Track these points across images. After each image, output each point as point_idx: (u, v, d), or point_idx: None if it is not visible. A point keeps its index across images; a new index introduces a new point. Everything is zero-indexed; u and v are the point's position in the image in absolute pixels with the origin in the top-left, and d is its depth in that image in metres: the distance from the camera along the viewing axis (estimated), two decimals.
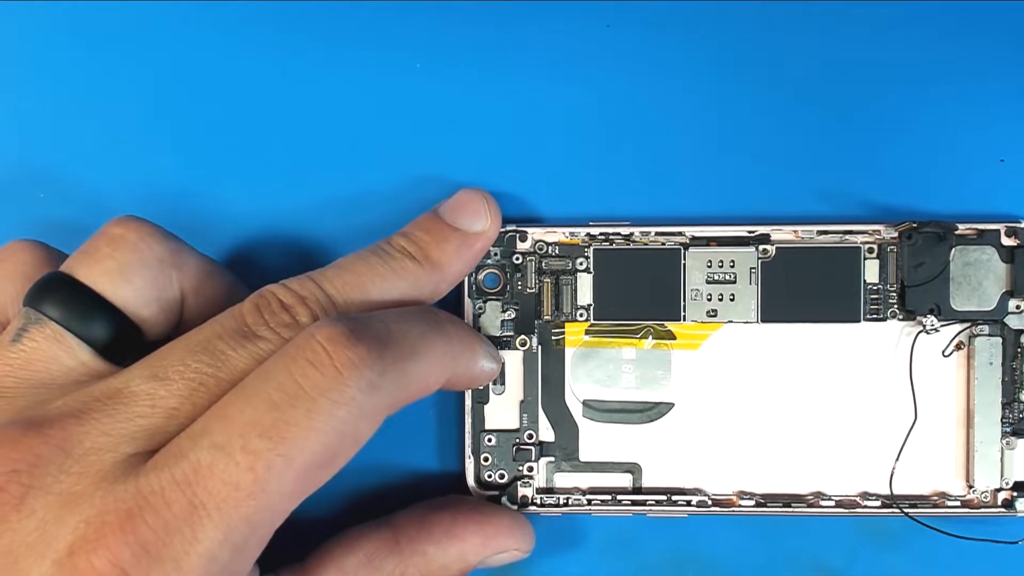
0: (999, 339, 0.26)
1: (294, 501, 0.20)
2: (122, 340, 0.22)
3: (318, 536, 0.25)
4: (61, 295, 0.21)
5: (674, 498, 0.27)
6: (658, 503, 0.27)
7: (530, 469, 0.27)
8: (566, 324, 0.27)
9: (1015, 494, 0.26)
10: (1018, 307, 0.26)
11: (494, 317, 0.27)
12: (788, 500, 0.27)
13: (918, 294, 0.26)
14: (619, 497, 0.27)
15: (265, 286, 0.22)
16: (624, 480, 0.27)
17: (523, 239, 0.27)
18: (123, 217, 0.23)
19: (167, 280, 0.22)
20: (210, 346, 0.21)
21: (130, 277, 0.22)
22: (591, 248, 0.27)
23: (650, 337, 0.27)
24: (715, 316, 0.27)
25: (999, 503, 0.26)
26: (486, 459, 0.27)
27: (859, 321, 0.26)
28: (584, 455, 0.27)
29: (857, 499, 0.27)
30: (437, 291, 0.25)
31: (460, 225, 0.25)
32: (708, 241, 0.27)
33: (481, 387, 0.26)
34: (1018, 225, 0.26)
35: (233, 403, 0.19)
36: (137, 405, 0.20)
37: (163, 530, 0.18)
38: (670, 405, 0.27)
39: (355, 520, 0.25)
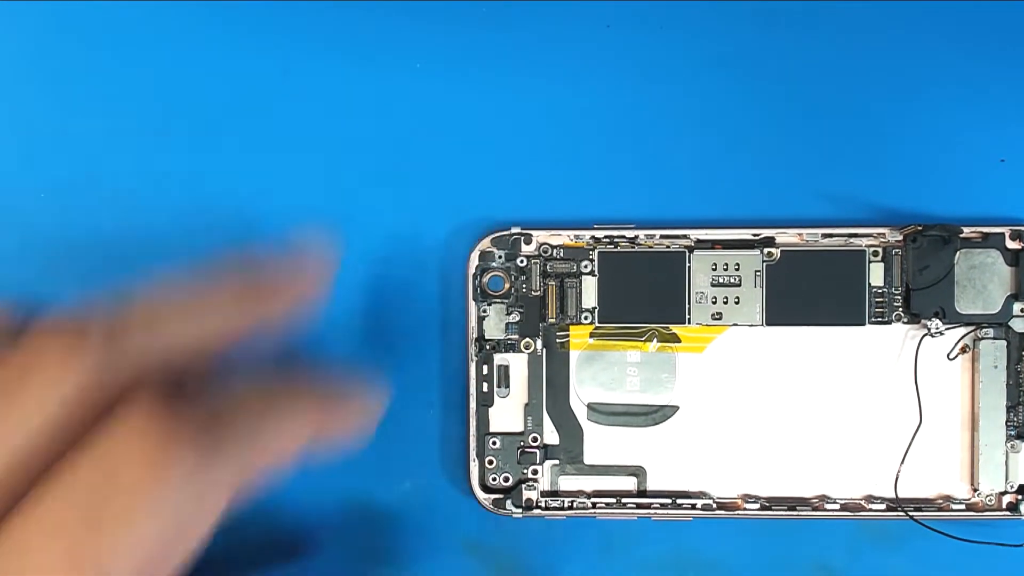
0: (1004, 342, 0.26)
1: None
2: None
3: (317, 536, 0.24)
4: None
5: (679, 501, 0.27)
6: (663, 506, 0.26)
7: (535, 472, 0.27)
8: (571, 327, 0.27)
9: (1020, 497, 0.26)
10: (1023, 310, 0.26)
11: (499, 320, 0.27)
12: (793, 503, 0.27)
13: (923, 297, 0.26)
14: (624, 500, 0.27)
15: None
16: (629, 483, 0.27)
17: (528, 242, 0.27)
18: None
19: None
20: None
21: None
22: (596, 251, 0.27)
23: (655, 340, 0.27)
24: (720, 319, 0.27)
25: (1004, 506, 0.26)
26: (491, 462, 0.27)
27: (864, 324, 0.26)
28: (589, 458, 0.27)
29: (862, 502, 0.27)
30: (253, 328, 0.21)
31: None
32: (713, 244, 0.27)
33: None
34: (1023, 228, 0.26)
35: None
36: None
37: None
38: (675, 408, 0.27)
39: (354, 521, 0.25)
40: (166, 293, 0.20)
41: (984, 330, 0.26)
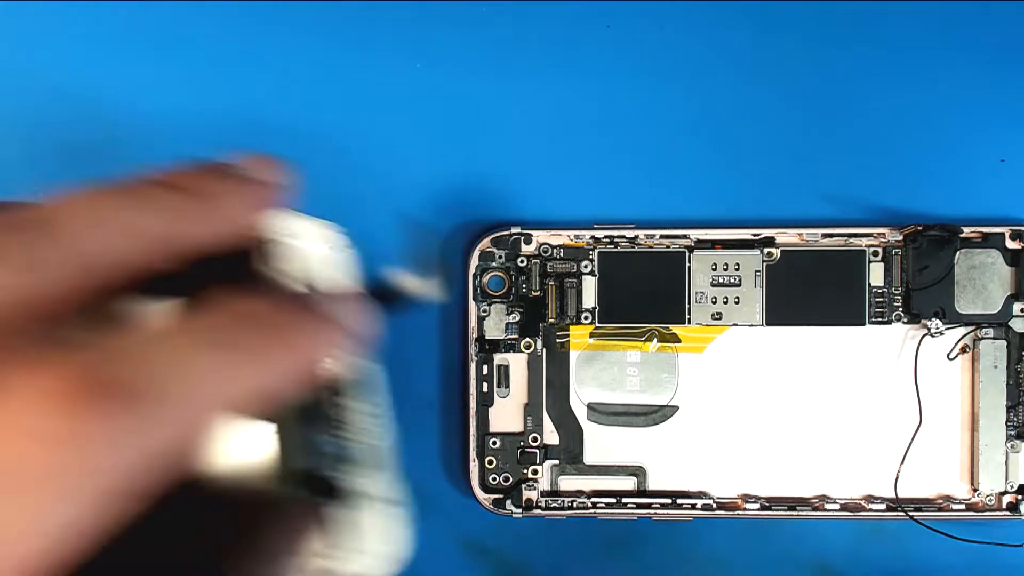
0: (1004, 342, 0.26)
1: None
2: None
3: None
4: None
5: (679, 501, 0.27)
6: (663, 506, 0.26)
7: (535, 472, 0.27)
8: (571, 327, 0.27)
9: (1019, 497, 0.26)
10: (1023, 310, 0.26)
11: (499, 320, 0.27)
12: (793, 503, 0.27)
13: (923, 297, 0.26)
14: (624, 500, 0.27)
15: None
16: (629, 483, 0.27)
17: (528, 242, 0.27)
18: None
19: None
20: None
21: None
22: (596, 251, 0.27)
23: (655, 340, 0.27)
24: (720, 319, 0.27)
25: (1003, 506, 0.26)
26: (491, 462, 0.27)
27: (864, 324, 0.26)
28: (589, 458, 0.27)
29: (862, 502, 0.27)
30: (214, 229, 0.17)
31: (236, 170, 0.19)
32: (713, 244, 0.27)
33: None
34: (1022, 228, 0.26)
35: None
36: None
37: None
38: (675, 408, 0.27)
39: None
40: (108, 189, 0.17)
41: (984, 330, 0.26)
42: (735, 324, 0.27)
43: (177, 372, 0.14)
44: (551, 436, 0.27)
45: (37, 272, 0.15)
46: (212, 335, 0.15)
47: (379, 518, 0.19)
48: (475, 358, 0.27)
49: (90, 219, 0.16)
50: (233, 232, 0.18)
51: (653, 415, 0.27)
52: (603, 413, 0.27)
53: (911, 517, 0.26)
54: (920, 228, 0.26)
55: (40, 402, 0.13)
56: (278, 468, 0.18)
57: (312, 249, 0.19)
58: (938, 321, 0.26)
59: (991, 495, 0.26)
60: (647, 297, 0.27)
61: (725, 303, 0.27)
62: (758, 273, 0.27)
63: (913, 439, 0.26)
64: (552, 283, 0.27)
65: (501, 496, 0.27)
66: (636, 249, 0.27)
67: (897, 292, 0.26)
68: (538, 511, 0.27)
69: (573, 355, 0.27)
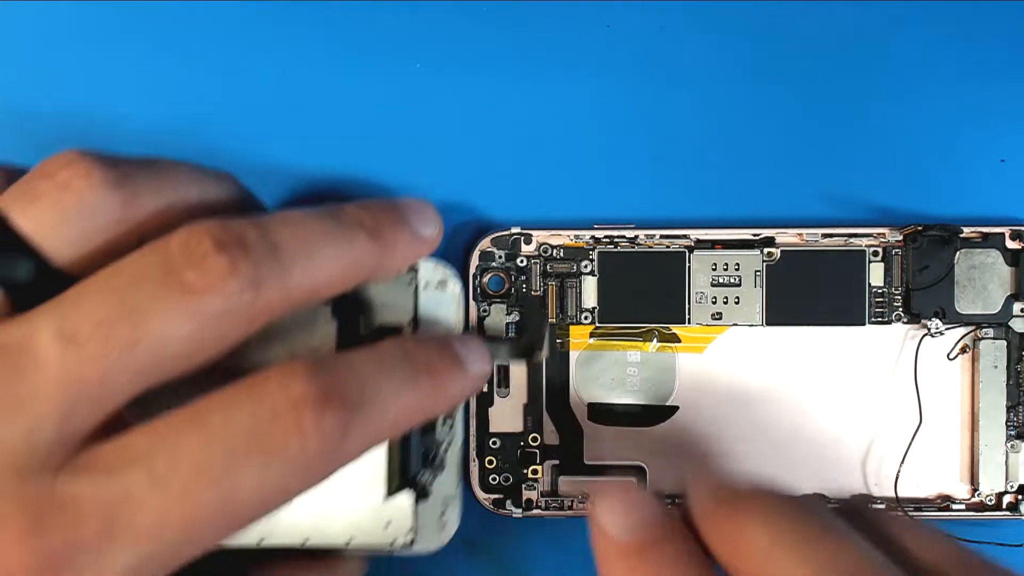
0: (1004, 342, 0.26)
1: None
2: (50, 291, 0.19)
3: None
4: None
5: (679, 501, 0.26)
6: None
7: (535, 472, 0.27)
8: (571, 327, 0.27)
9: (1020, 497, 0.26)
10: (1023, 310, 0.26)
11: (499, 320, 0.27)
12: None
13: (923, 297, 0.26)
14: None
15: (198, 220, 0.19)
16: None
17: (528, 242, 0.27)
18: (72, 157, 0.20)
19: (117, 231, 0.20)
20: (127, 297, 0.18)
21: (71, 229, 0.19)
22: (596, 251, 0.27)
23: (655, 340, 0.27)
24: (720, 319, 0.27)
25: (1004, 506, 0.26)
26: (491, 462, 0.27)
27: (864, 324, 0.26)
28: (589, 458, 0.27)
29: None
30: (373, 277, 0.22)
31: (412, 224, 0.23)
32: (713, 244, 0.27)
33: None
34: (1022, 228, 0.26)
35: (187, 434, 0.18)
36: (43, 372, 0.17)
37: (70, 547, 0.17)
38: (675, 408, 0.27)
39: None
40: (320, 221, 0.21)
41: (984, 330, 0.26)
42: (735, 324, 0.27)
43: (373, 389, 0.19)
44: (551, 436, 0.27)
45: (258, 291, 0.19)
46: (390, 364, 0.20)
47: (444, 507, 0.25)
48: None
49: (306, 251, 0.20)
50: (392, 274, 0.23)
51: (653, 415, 0.27)
52: (603, 413, 0.27)
53: (911, 517, 0.26)
54: (920, 228, 0.26)
55: (296, 404, 0.18)
56: (399, 474, 0.23)
57: (434, 287, 0.24)
58: (938, 321, 0.26)
59: (991, 495, 0.26)
60: (647, 297, 0.27)
61: (725, 303, 0.27)
62: (758, 273, 0.27)
63: (913, 439, 0.26)
64: (552, 283, 0.27)
65: (501, 496, 0.27)
66: (636, 249, 0.27)
67: (897, 292, 0.26)
68: (538, 511, 0.27)
69: (573, 355, 0.27)
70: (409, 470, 0.23)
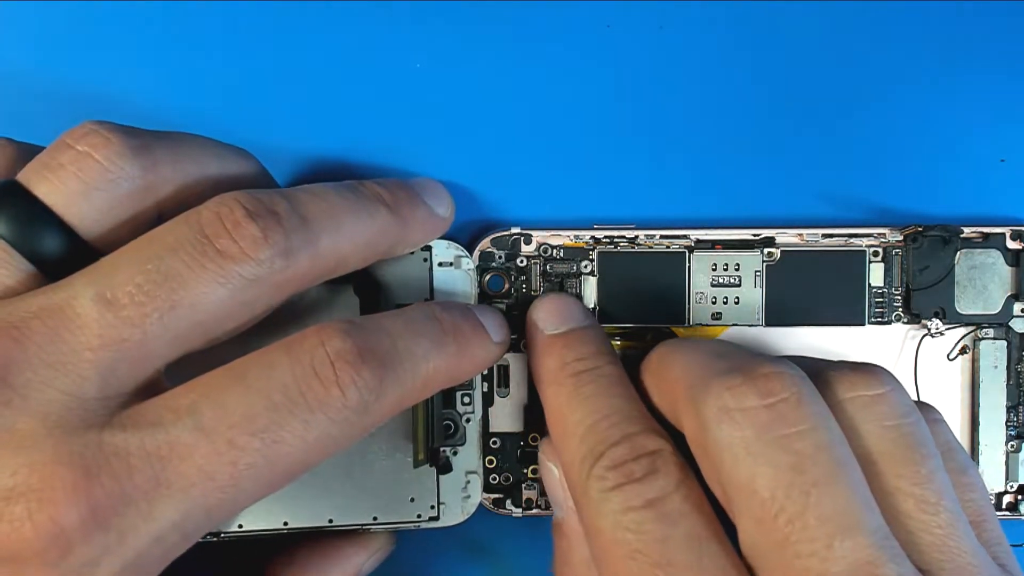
0: (1004, 342, 0.26)
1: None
2: (78, 265, 0.19)
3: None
4: (12, 211, 0.19)
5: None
6: None
7: (535, 472, 0.27)
8: None
9: (1020, 497, 0.26)
10: (1023, 310, 0.26)
11: None
12: None
13: (923, 297, 0.26)
14: None
15: (229, 192, 0.20)
16: None
17: (528, 242, 0.27)
18: (93, 128, 0.20)
19: (138, 201, 0.20)
20: (164, 264, 0.19)
21: (94, 200, 0.19)
22: (596, 251, 0.27)
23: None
24: (720, 319, 0.27)
25: (1004, 506, 0.26)
26: (491, 462, 0.27)
27: (864, 324, 0.26)
28: None
29: None
30: (392, 251, 0.23)
31: (428, 201, 0.24)
32: (713, 244, 0.27)
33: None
34: (1023, 228, 0.26)
35: (231, 389, 0.18)
36: (83, 334, 0.18)
37: (119, 498, 0.17)
38: None
39: None
40: (344, 195, 0.22)
41: (984, 330, 0.26)
42: (735, 324, 0.27)
43: (404, 347, 0.20)
44: None
45: (288, 260, 0.20)
46: (419, 326, 0.21)
47: (466, 481, 0.26)
48: None
49: (333, 223, 0.21)
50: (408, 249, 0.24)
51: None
52: None
53: None
54: (920, 228, 0.26)
55: (334, 359, 0.19)
56: (424, 443, 0.24)
57: (448, 265, 0.26)
58: (938, 321, 0.26)
59: (991, 495, 0.26)
60: (647, 297, 0.27)
61: (725, 303, 0.27)
62: (758, 273, 0.27)
63: None
64: (552, 283, 0.27)
65: (501, 496, 0.27)
66: (636, 249, 0.27)
67: (897, 292, 0.26)
68: (538, 511, 0.27)
69: None
70: (434, 439, 0.24)
